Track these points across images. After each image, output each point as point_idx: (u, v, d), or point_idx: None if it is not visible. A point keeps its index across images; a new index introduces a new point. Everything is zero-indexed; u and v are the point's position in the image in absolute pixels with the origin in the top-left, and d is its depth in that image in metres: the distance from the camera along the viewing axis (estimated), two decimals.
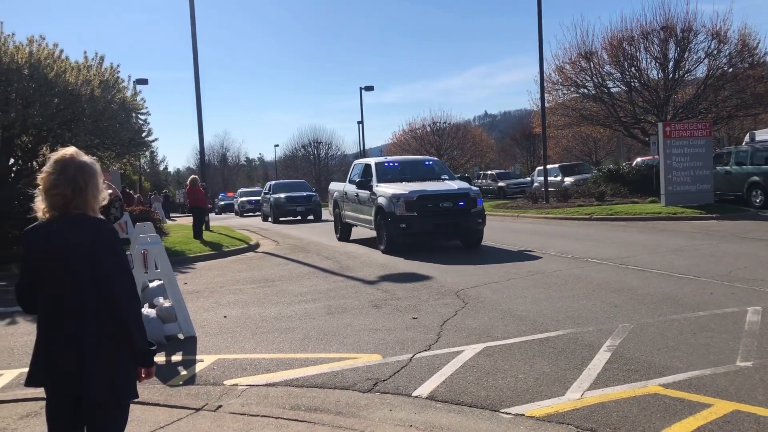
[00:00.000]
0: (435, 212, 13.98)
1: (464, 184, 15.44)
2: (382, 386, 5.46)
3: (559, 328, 6.97)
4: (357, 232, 17.87)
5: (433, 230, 14.09)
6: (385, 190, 14.63)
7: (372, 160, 16.91)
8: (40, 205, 2.86)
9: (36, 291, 2.85)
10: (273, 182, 34.04)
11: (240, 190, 50.70)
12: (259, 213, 39.16)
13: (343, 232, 18.11)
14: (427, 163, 17.54)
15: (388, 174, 15.82)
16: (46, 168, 2.85)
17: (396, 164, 16.82)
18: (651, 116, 29.83)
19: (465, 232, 14.45)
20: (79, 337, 2.78)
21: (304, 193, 30.64)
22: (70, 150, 2.89)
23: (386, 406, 5.02)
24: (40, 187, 2.86)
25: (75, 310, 2.79)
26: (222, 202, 58.31)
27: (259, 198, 40.53)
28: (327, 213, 29.24)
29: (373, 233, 15.59)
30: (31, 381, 2.85)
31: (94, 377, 2.77)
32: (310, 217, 29.65)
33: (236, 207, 45.68)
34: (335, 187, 19.33)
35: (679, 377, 5.21)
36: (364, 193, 15.76)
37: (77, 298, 2.79)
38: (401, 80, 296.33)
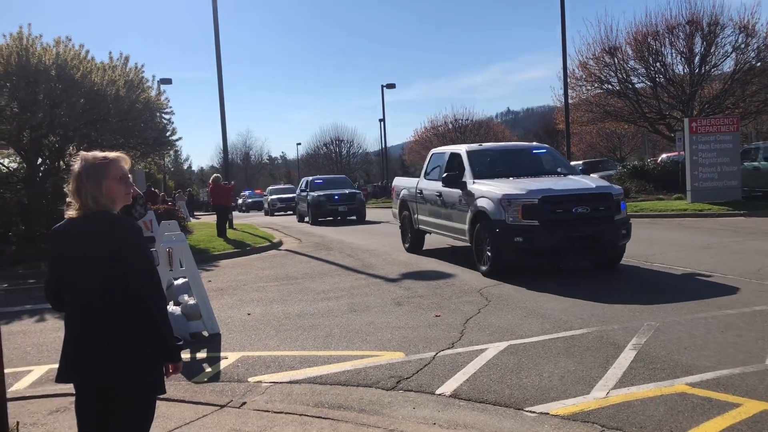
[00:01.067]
0: (565, 221, 9.89)
1: (602, 181, 11.77)
2: (406, 384, 5.46)
3: (583, 326, 6.90)
4: (432, 241, 14.63)
5: (563, 246, 9.89)
6: (489, 189, 10.44)
7: (462, 149, 12.36)
8: (70, 206, 2.95)
9: (63, 288, 2.90)
10: (310, 178, 29.50)
11: (270, 188, 47.08)
12: (290, 212, 37.14)
13: (415, 240, 14.08)
14: (536, 151, 12.81)
15: (484, 167, 11.71)
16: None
17: (495, 153, 12.67)
18: (676, 112, 29.42)
19: (605, 248, 10.19)
20: (108, 334, 2.81)
21: (347, 191, 26.73)
22: (81, 155, 2.97)
23: (409, 403, 5.02)
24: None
25: (102, 307, 2.82)
26: (250, 200, 55.01)
27: (291, 195, 38.11)
28: (369, 214, 27.86)
29: (458, 243, 12.59)
30: (61, 377, 2.89)
31: (123, 373, 2.81)
32: (352, 218, 26.16)
33: (266, 205, 42.53)
34: (403, 183, 15.26)
35: (707, 376, 5.13)
36: (451, 193, 11.62)
37: (104, 296, 2.82)
38: (422, 77, 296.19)
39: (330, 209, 25.75)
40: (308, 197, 26.61)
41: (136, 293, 2.82)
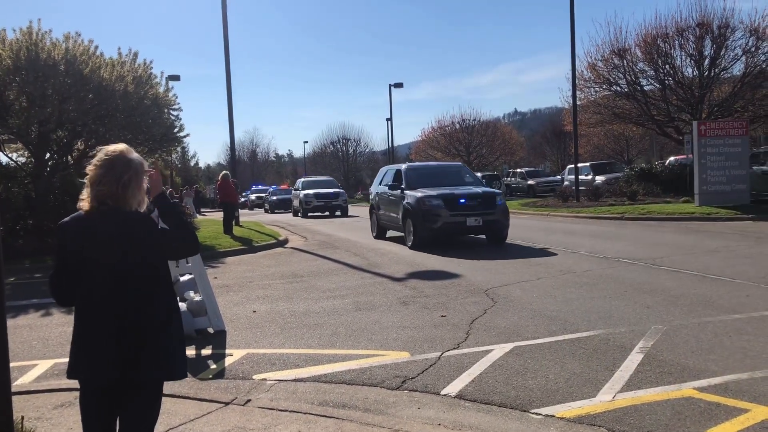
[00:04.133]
0: None
1: None
2: (411, 384, 5.44)
3: (590, 328, 6.87)
4: None
5: None
6: None
7: None
8: (85, 197, 2.89)
9: (71, 283, 2.88)
10: (403, 166, 17.44)
11: (302, 180, 35.33)
12: (327, 213, 30.61)
13: None
14: None
15: None
16: (96, 161, 2.88)
17: None
18: (685, 115, 29.29)
19: None
20: (121, 330, 2.80)
21: (476, 190, 15.04)
22: (121, 146, 2.94)
23: (414, 404, 5.00)
24: (87, 179, 2.89)
25: (115, 302, 2.80)
26: (275, 197, 44.13)
27: (331, 191, 30.99)
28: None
29: None
30: (72, 372, 2.88)
31: (143, 361, 2.80)
32: (481, 236, 15.69)
33: (296, 203, 32.42)
34: None
35: (715, 381, 5.09)
36: None
37: (121, 288, 2.80)
38: (430, 77, 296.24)
39: (453, 223, 14.30)
40: (406, 198, 15.24)
41: (147, 288, 2.83)
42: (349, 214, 31.29)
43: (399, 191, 15.95)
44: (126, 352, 2.80)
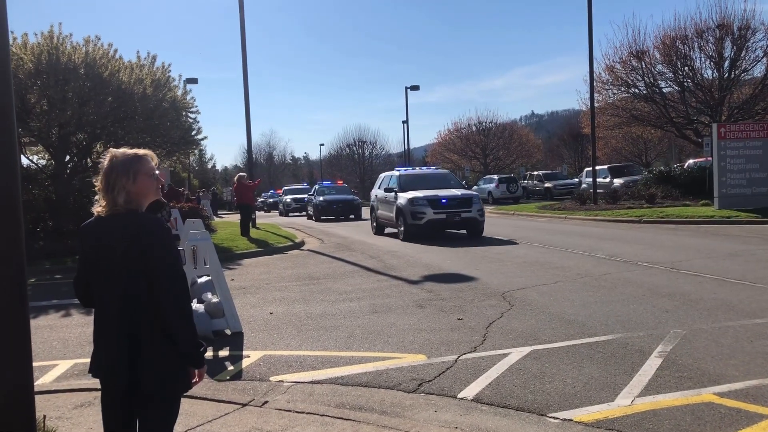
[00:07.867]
0: None
1: None
2: (427, 387, 5.43)
3: (608, 332, 6.82)
4: None
5: None
6: None
7: None
8: (98, 203, 2.96)
9: (91, 285, 2.91)
10: None
11: (400, 173, 20.28)
12: (448, 229, 17.92)
13: None
14: None
15: None
16: None
17: None
18: (704, 117, 29.02)
19: None
20: (130, 331, 2.81)
21: None
22: (109, 152, 2.97)
23: (431, 407, 4.99)
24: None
25: (126, 304, 2.82)
26: (321, 198, 31.06)
27: (457, 194, 17.74)
28: None
29: None
30: (91, 370, 2.93)
31: (143, 370, 2.81)
32: None
33: (387, 213, 19.52)
34: None
35: (735, 386, 5.03)
36: None
37: (127, 293, 2.82)
38: (445, 80, 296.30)
39: None
40: None
41: (156, 292, 2.79)
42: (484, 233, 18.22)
43: None
44: (133, 361, 2.80)
